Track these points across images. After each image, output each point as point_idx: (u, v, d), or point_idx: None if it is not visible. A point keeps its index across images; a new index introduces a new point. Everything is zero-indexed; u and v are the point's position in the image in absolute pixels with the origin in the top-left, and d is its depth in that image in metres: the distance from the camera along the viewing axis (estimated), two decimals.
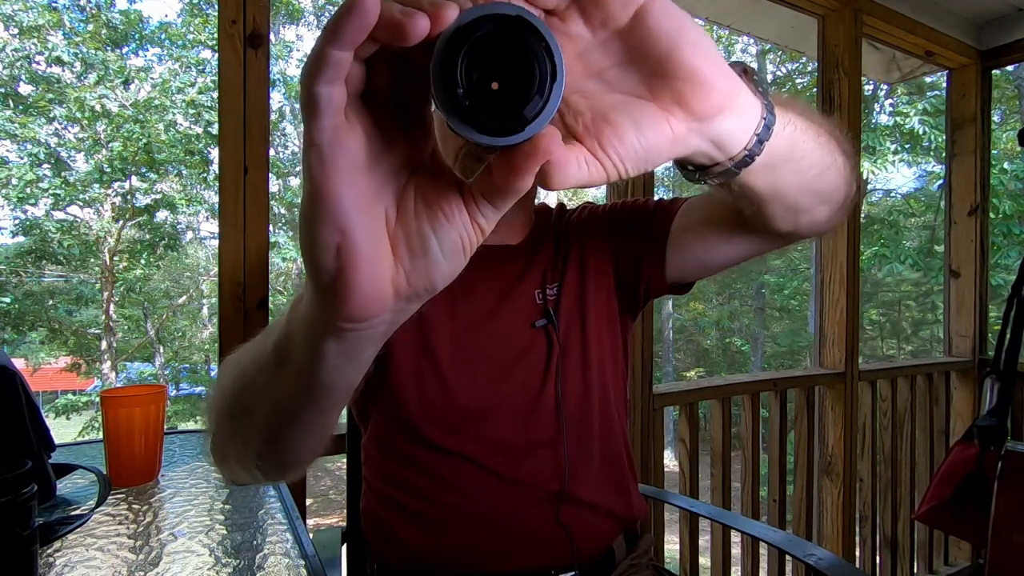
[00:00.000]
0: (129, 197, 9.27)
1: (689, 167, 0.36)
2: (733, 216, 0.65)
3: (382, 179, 0.26)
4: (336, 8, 0.22)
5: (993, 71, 2.38)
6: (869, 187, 10.53)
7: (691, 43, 0.26)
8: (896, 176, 10.75)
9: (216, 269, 1.14)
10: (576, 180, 0.26)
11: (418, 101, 0.26)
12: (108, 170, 8.74)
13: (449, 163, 0.28)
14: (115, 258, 9.47)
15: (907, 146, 9.31)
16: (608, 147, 0.27)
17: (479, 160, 0.72)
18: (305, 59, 0.23)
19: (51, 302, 9.70)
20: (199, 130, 8.85)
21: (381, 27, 0.22)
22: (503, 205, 0.27)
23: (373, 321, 0.27)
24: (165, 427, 0.82)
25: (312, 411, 0.36)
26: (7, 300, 9.03)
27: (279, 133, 10.74)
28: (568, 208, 0.93)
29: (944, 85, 2.50)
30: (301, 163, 0.25)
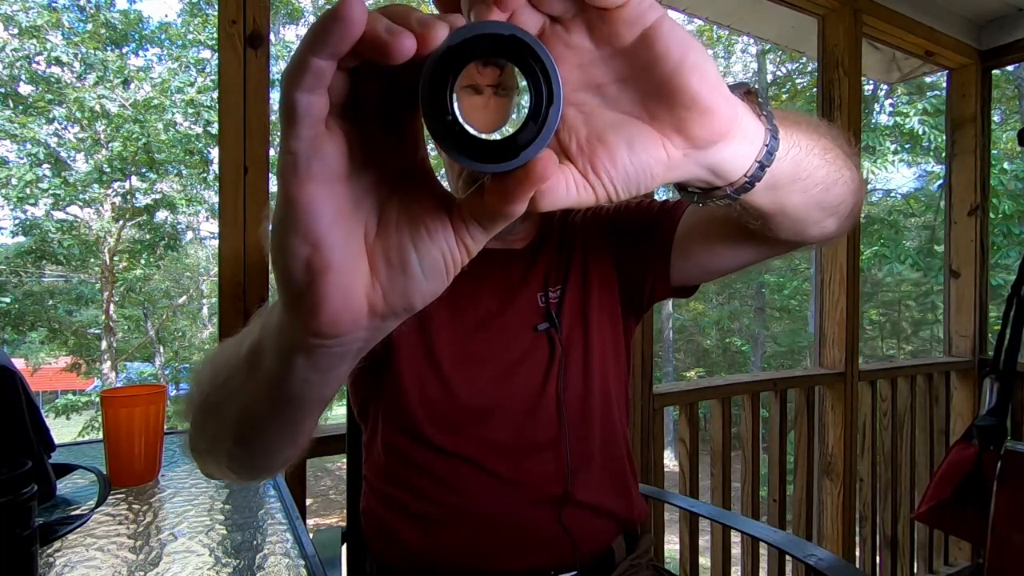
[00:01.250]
0: (129, 197, 9.26)
1: (688, 189, 0.35)
2: (738, 225, 0.64)
3: (363, 190, 0.25)
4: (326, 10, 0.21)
5: (993, 71, 2.38)
6: (869, 187, 10.53)
7: (695, 68, 0.25)
8: (896, 176, 10.76)
9: (216, 269, 1.14)
10: (564, 203, 0.26)
11: (406, 111, 0.25)
12: (108, 170, 8.73)
13: (453, 182, 0.27)
14: (115, 258, 9.46)
15: (907, 146, 9.30)
16: (600, 169, 0.26)
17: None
18: (286, 64, 0.22)
19: (51, 302, 9.70)
20: (199, 130, 8.85)
21: (365, 43, 0.21)
22: (492, 228, 0.26)
23: (344, 338, 0.26)
24: (165, 427, 0.82)
25: (281, 420, 0.35)
26: (7, 300, 9.03)
27: (279, 133, 10.72)
28: (573, 209, 0.93)
29: (944, 85, 2.50)
30: (277, 169, 0.23)
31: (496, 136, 0.22)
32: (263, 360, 0.31)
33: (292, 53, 0.21)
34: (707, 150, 0.28)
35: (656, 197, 0.92)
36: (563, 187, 0.25)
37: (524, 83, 0.22)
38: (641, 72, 0.26)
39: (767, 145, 0.32)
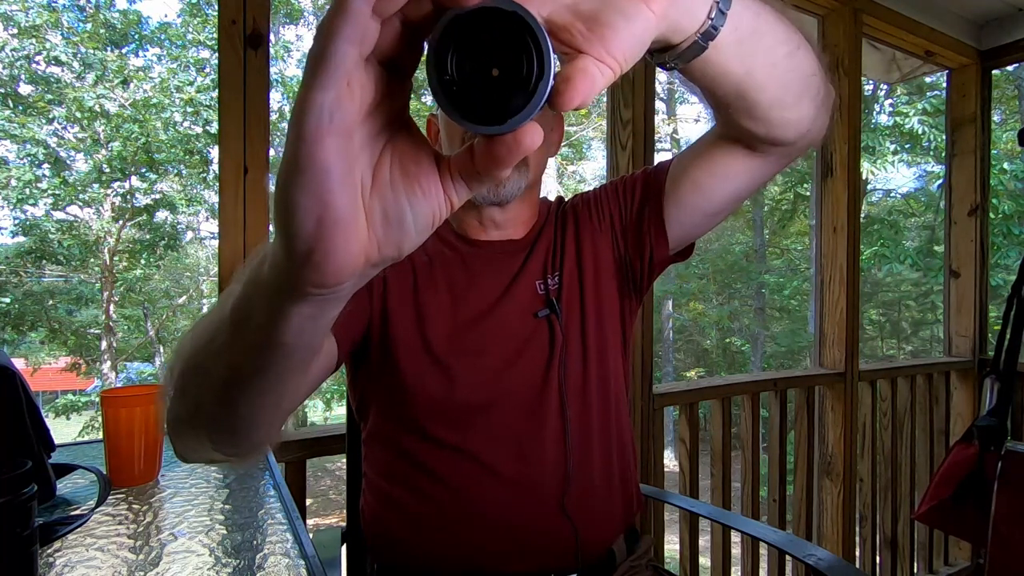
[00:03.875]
0: (129, 197, 9.26)
1: (654, 51, 0.38)
2: (720, 148, 0.65)
3: (361, 144, 0.25)
4: None
5: (993, 71, 2.38)
6: (869, 187, 10.53)
7: None
8: (896, 176, 10.76)
9: (216, 269, 1.14)
10: (599, 88, 0.27)
11: (409, 67, 0.26)
12: (107, 170, 8.73)
13: (454, 152, 0.28)
14: (115, 258, 9.46)
15: (907, 146, 9.31)
16: (614, 48, 0.27)
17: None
18: (326, 11, 0.22)
19: (51, 302, 9.69)
20: (198, 130, 8.85)
21: None
22: (477, 187, 0.27)
23: (340, 287, 0.27)
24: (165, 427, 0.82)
25: (269, 374, 0.36)
26: (7, 300, 9.02)
27: (279, 133, 10.73)
28: (565, 200, 0.93)
29: (944, 85, 2.50)
30: (290, 121, 0.23)
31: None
32: (252, 314, 0.32)
33: (332, 3, 0.22)
34: None
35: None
36: (591, 80, 0.26)
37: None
38: None
39: None
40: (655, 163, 0.83)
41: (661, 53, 0.38)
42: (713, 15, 0.35)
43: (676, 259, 0.84)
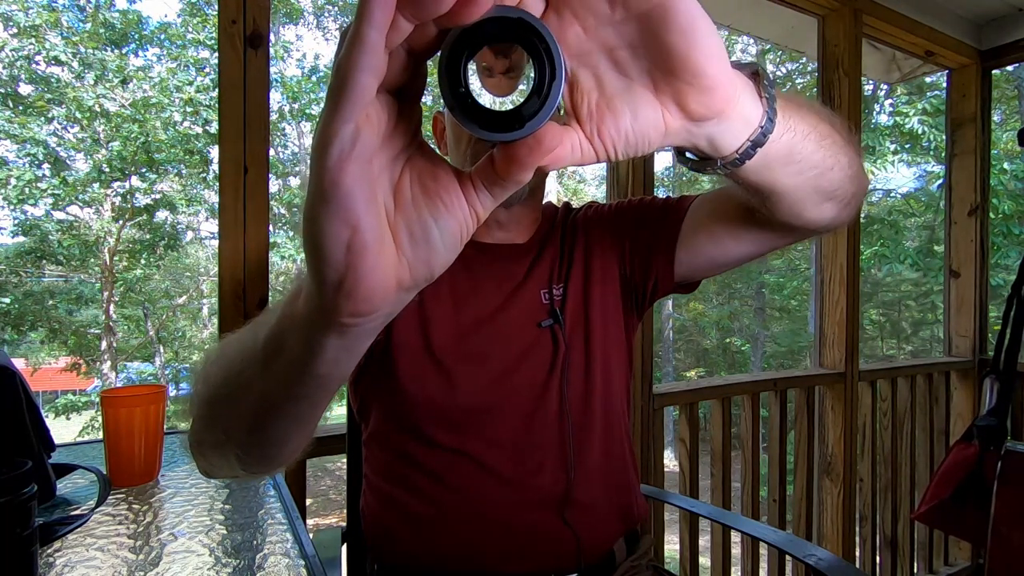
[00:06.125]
0: (129, 197, 9.26)
1: (684, 153, 0.37)
2: (743, 211, 0.65)
3: (380, 169, 0.26)
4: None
5: (993, 71, 2.38)
6: (869, 187, 10.51)
7: (702, 44, 0.26)
8: (896, 176, 10.78)
9: (216, 269, 1.13)
10: (568, 162, 0.27)
11: (416, 92, 0.26)
12: (107, 170, 8.73)
13: (460, 150, 0.28)
14: (115, 258, 9.46)
15: (907, 146, 9.31)
16: (605, 134, 0.27)
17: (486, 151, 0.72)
18: (342, 44, 0.22)
19: (51, 302, 9.68)
20: (198, 129, 8.85)
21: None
22: (501, 194, 0.27)
23: (374, 315, 0.27)
24: (165, 427, 0.82)
25: (302, 402, 0.36)
26: (7, 300, 9.02)
27: (279, 133, 10.73)
28: (574, 207, 0.93)
29: (944, 85, 2.50)
30: (312, 152, 0.24)
31: (508, 104, 0.25)
32: (286, 347, 0.32)
33: (349, 34, 0.22)
34: (702, 123, 0.29)
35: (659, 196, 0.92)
36: (568, 149, 0.27)
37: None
38: (650, 41, 0.26)
39: (762, 127, 0.33)
40: (664, 189, 0.83)
41: (684, 156, 0.37)
42: (743, 149, 0.33)
43: (681, 291, 0.84)
